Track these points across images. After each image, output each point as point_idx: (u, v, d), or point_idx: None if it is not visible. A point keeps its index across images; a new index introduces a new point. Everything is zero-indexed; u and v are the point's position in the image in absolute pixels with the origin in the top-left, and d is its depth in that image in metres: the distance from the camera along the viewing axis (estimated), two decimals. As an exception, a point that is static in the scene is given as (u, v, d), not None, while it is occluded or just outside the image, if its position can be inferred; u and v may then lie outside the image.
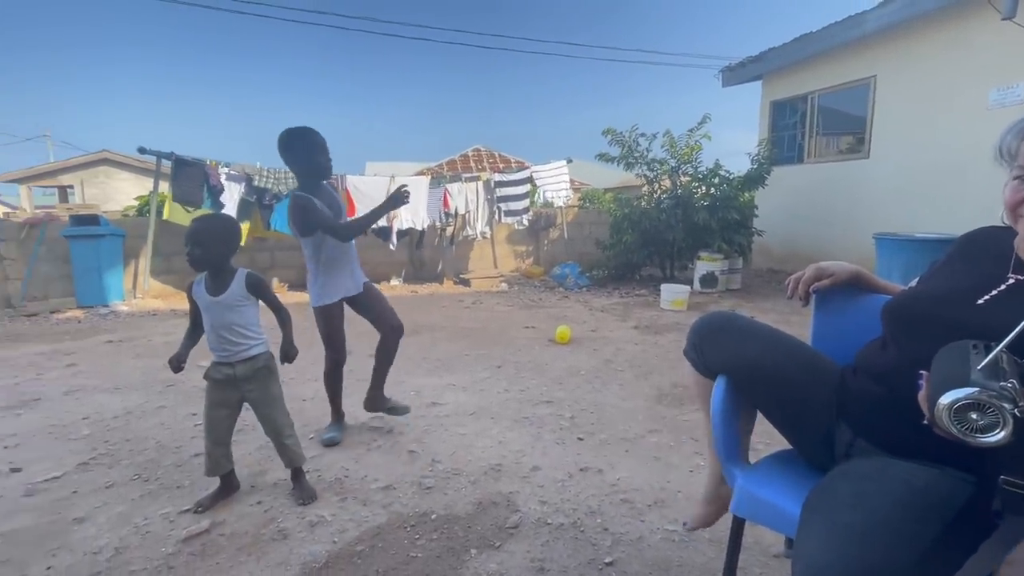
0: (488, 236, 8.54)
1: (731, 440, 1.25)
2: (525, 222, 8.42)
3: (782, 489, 1.13)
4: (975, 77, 5.59)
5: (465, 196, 7.99)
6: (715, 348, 1.25)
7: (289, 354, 1.97)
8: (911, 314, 1.04)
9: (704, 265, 6.59)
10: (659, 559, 1.62)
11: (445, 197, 7.80)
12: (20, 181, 22.02)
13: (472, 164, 15.87)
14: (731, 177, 6.99)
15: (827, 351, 1.27)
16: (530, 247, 9.45)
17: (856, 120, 7.11)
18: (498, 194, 8.14)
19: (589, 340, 4.41)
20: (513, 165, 14.46)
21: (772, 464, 1.27)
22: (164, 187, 6.73)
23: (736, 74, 8.57)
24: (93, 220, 6.51)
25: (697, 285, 6.60)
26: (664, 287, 5.84)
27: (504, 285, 7.86)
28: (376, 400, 2.63)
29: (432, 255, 8.69)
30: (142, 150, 6.37)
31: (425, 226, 7.82)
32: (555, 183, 8.41)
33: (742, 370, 1.22)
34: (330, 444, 2.45)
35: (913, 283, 1.18)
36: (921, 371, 0.83)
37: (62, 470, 2.24)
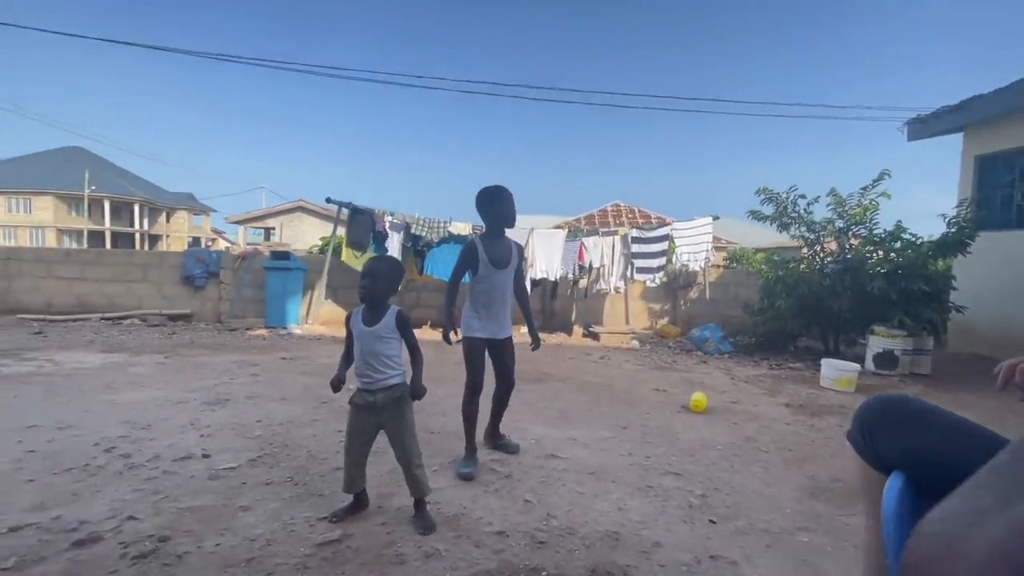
0: (622, 291, 8.40)
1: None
2: (657, 281, 8.12)
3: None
4: None
5: (601, 250, 8.02)
6: (891, 436, 1.05)
7: (417, 391, 2.11)
8: None
9: (880, 341, 5.63)
10: None
11: (581, 250, 7.91)
12: (240, 223, 27.74)
13: (610, 219, 15.96)
14: (918, 241, 5.98)
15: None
16: (666, 305, 9.04)
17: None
18: (632, 250, 8.02)
19: (728, 412, 4.00)
20: (653, 220, 14.21)
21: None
22: (341, 230, 7.89)
23: (928, 126, 7.49)
24: (285, 256, 7.87)
25: (870, 364, 5.65)
26: (826, 362, 5.10)
27: (635, 342, 7.58)
28: (492, 436, 3.00)
29: (563, 306, 8.77)
30: (329, 200, 7.58)
31: (558, 277, 7.97)
32: (694, 244, 8.03)
33: (929, 468, 1.00)
34: (467, 479, 2.53)
35: None
36: None
37: (237, 462, 2.64)
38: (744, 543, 2.05)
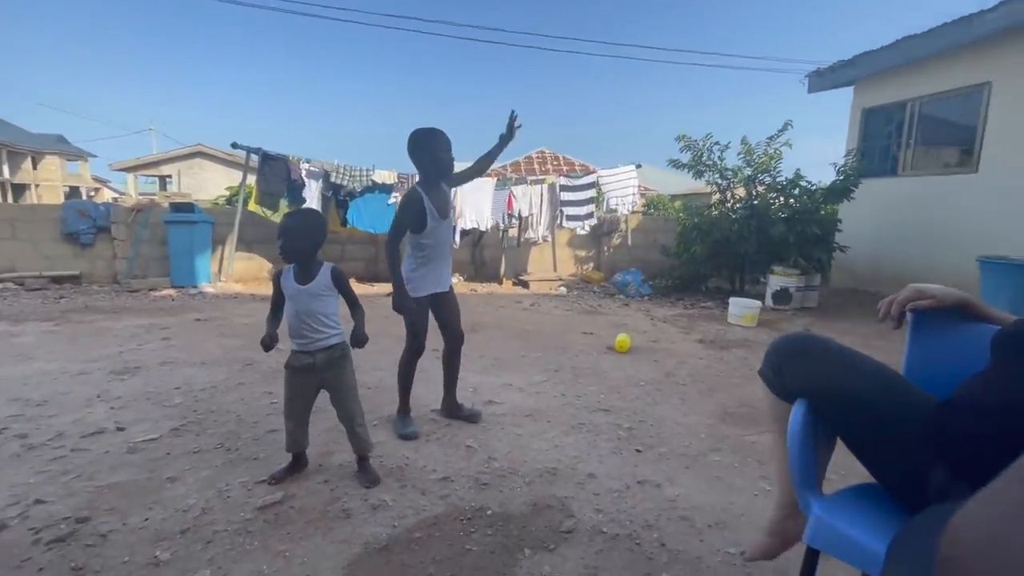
0: (550, 239, 8.55)
1: (808, 466, 1.18)
2: (587, 228, 8.34)
3: (864, 524, 1.07)
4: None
5: (529, 199, 8.04)
6: (796, 369, 1.19)
7: (360, 339, 2.05)
8: None
9: (778, 280, 6.24)
10: (719, 583, 1.56)
11: (510, 199, 7.88)
12: (128, 170, 24.58)
13: (536, 166, 15.91)
14: (813, 188, 6.58)
15: (921, 383, 1.18)
16: (591, 252, 9.35)
17: (964, 130, 6.47)
18: (562, 198, 8.12)
19: (649, 350, 4.31)
20: (577, 168, 14.37)
21: (853, 496, 1.19)
22: (251, 179, 7.26)
23: (825, 79, 8.06)
24: (189, 208, 7.13)
25: (769, 301, 6.27)
26: (733, 301, 5.59)
27: (563, 289, 7.83)
28: (451, 407, 2.80)
29: (492, 255, 8.80)
30: (235, 145, 6.90)
31: (488, 227, 7.94)
32: (621, 189, 8.27)
33: (826, 395, 1.15)
34: (412, 438, 2.48)
35: None
36: None
37: (158, 433, 2.48)
38: (666, 467, 2.29)
